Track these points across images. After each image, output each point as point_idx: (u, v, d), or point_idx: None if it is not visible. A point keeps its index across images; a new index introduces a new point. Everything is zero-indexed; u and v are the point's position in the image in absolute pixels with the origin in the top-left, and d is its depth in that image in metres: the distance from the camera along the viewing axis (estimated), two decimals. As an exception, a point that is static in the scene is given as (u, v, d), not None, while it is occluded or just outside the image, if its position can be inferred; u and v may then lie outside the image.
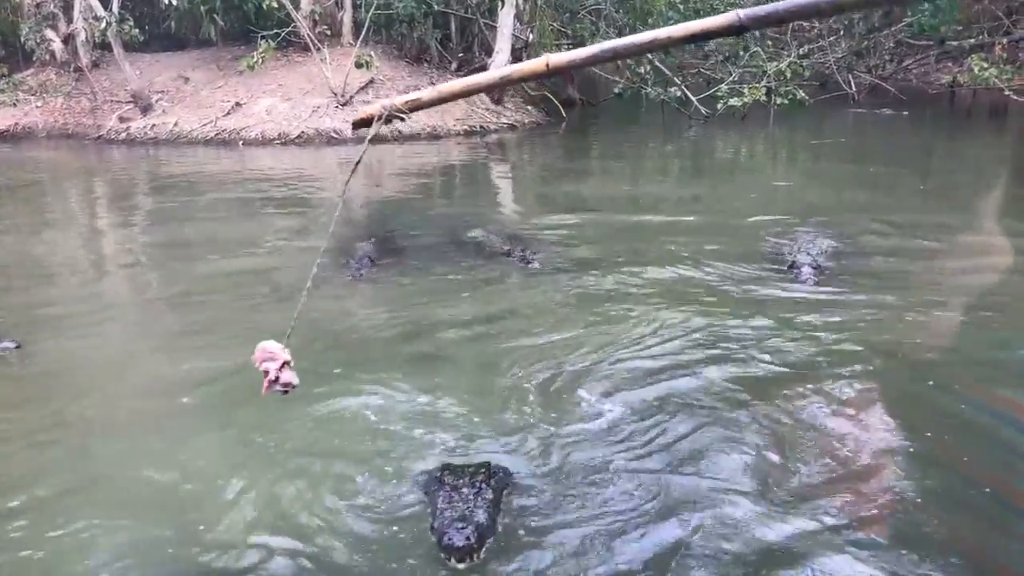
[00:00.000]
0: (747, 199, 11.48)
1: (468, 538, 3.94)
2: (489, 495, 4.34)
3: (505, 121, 18.57)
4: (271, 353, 3.44)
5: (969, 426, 5.00)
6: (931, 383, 5.49)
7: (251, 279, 8.20)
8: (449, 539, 3.94)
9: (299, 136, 17.31)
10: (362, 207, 11.76)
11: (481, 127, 18.17)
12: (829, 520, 4.10)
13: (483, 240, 9.22)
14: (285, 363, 3.39)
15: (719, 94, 17.86)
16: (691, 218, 10.15)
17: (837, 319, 6.50)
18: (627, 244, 8.74)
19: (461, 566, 3.93)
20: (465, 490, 4.33)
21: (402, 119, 3.43)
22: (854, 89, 19.58)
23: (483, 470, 4.51)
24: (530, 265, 8.13)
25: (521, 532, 4.21)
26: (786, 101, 17.55)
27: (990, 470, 4.57)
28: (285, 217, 11.17)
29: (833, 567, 3.78)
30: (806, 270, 7.43)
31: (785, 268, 7.65)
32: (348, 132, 17.28)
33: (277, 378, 3.40)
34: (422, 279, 7.91)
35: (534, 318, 6.84)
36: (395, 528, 4.26)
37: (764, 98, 17.60)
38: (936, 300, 6.99)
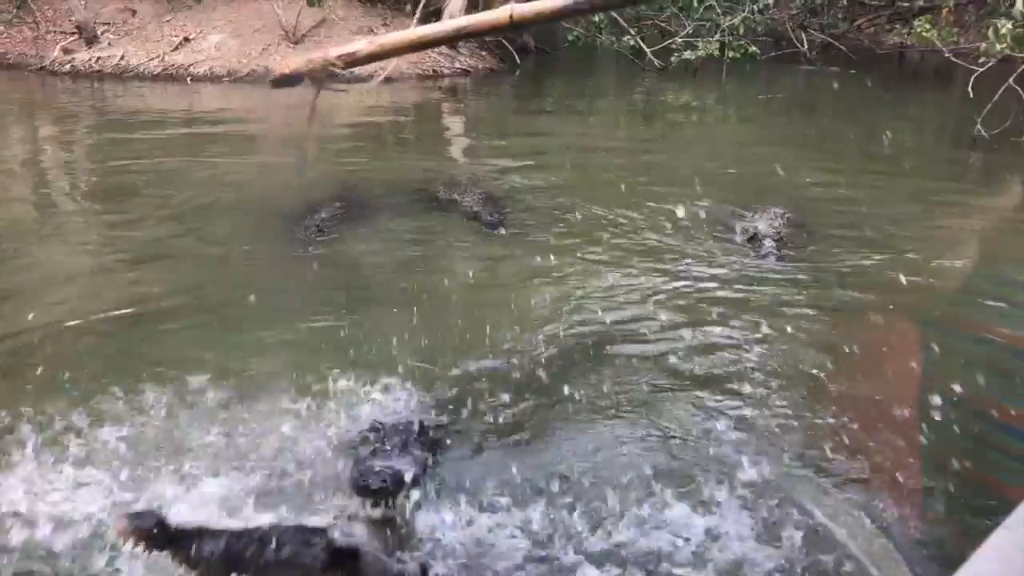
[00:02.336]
0: (700, 154, 11.67)
1: (384, 481, 3.85)
2: (416, 450, 4.26)
3: (459, 66, 18.44)
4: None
5: (958, 362, 5.24)
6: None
7: (195, 218, 8.20)
8: (365, 481, 3.86)
9: (249, 74, 17.01)
10: (313, 162, 11.50)
11: (435, 71, 18.03)
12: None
13: (448, 199, 8.83)
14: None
15: (673, 47, 17.93)
16: (647, 175, 10.16)
17: (805, 292, 6.55)
18: (587, 205, 8.66)
19: (376, 513, 3.84)
20: (392, 441, 4.26)
21: (335, 75, 3.12)
22: (806, 47, 19.78)
23: (412, 426, 4.43)
24: (497, 230, 7.88)
25: (446, 495, 4.13)
26: (738, 55, 17.71)
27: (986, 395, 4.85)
28: (233, 156, 11.09)
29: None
30: (768, 243, 7.29)
31: (746, 239, 7.54)
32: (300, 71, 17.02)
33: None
34: (377, 249, 7.61)
35: (498, 291, 6.72)
36: (315, 484, 4.19)
37: (717, 52, 17.73)
38: (905, 258, 7.21)
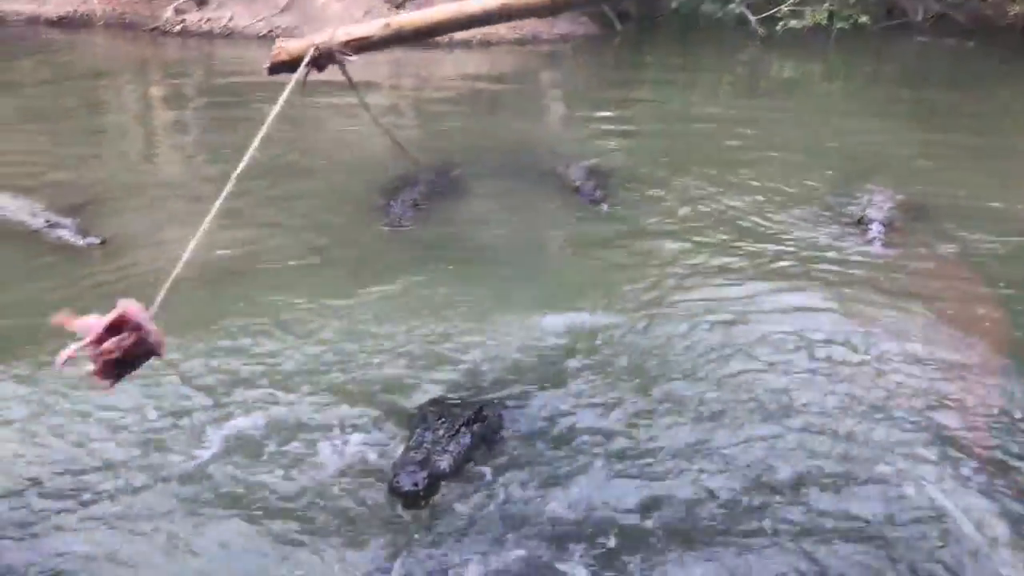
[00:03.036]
0: (805, 127, 11.38)
1: (416, 484, 3.85)
2: (466, 440, 4.22)
3: (558, 32, 18.27)
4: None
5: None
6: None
7: (294, 182, 8.45)
8: (397, 482, 3.89)
9: (351, 38, 17.24)
10: (410, 128, 11.36)
11: (534, 36, 17.93)
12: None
13: (550, 171, 8.69)
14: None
15: (779, 15, 17.39)
16: (750, 149, 9.90)
17: (908, 281, 6.37)
18: (688, 179, 8.50)
19: (406, 514, 3.88)
20: (441, 431, 4.22)
21: (344, 62, 2.62)
22: (921, 16, 18.88)
23: (470, 412, 4.39)
24: (600, 206, 7.73)
25: (494, 483, 4.13)
26: (847, 26, 17.07)
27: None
28: (335, 119, 11.25)
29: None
30: (875, 228, 7.04)
31: (854, 222, 7.31)
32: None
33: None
34: (472, 224, 7.46)
35: (596, 271, 6.60)
36: (374, 459, 4.35)
37: (825, 21, 17.11)
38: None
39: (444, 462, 4.05)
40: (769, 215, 7.61)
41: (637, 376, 5.06)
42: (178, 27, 18.12)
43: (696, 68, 16.44)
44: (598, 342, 5.43)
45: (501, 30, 17.70)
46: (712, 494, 4.07)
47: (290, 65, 2.53)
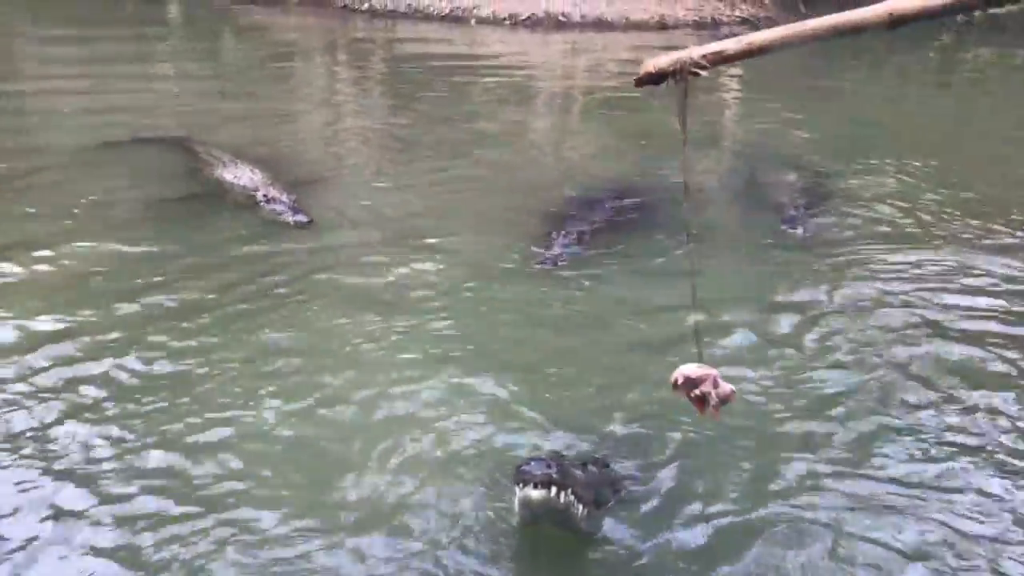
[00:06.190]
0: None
1: (548, 466, 3.49)
2: (594, 471, 3.96)
3: (739, 14, 17.88)
4: (696, 377, 3.27)
5: None
6: None
7: (459, 197, 8.31)
8: (527, 467, 3.50)
9: (528, 18, 17.48)
10: (585, 137, 10.62)
11: (713, 19, 17.61)
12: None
13: (749, 183, 8.18)
14: (714, 378, 3.27)
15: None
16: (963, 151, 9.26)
17: None
18: (911, 210, 7.70)
19: (535, 494, 3.44)
20: (566, 461, 3.89)
21: (699, 74, 2.87)
22: None
23: (595, 457, 4.21)
24: (793, 231, 7.10)
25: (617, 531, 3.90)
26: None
27: None
28: (510, 115, 11.35)
29: None
30: None
31: None
32: (576, 16, 17.28)
33: (713, 396, 3.26)
34: (643, 270, 6.50)
35: (782, 322, 5.79)
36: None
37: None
38: None
39: (574, 471, 3.72)
40: (978, 242, 7.07)
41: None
42: (365, 5, 18.75)
43: (910, 60, 15.45)
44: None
45: (679, 12, 17.51)
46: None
47: (655, 79, 2.94)
